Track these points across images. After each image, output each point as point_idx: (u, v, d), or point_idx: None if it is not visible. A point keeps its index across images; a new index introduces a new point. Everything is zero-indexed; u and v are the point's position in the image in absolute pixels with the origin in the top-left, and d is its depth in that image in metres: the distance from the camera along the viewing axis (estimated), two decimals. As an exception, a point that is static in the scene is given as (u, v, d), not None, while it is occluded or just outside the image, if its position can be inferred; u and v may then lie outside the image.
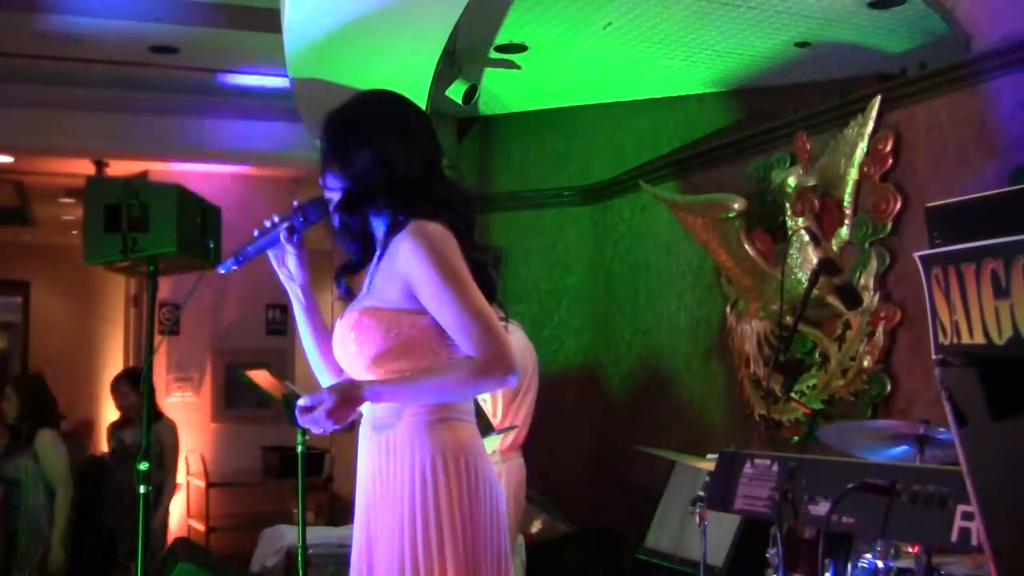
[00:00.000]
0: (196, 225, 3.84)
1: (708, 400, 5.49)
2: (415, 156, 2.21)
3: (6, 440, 5.18)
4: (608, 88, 6.28)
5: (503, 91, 6.38)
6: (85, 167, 7.55)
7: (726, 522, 4.18)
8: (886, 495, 2.29)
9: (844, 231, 4.42)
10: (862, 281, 4.32)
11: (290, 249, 2.29)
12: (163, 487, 5.62)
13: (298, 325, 2.39)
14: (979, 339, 1.44)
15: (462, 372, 2.09)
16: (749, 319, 5.05)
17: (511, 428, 4.10)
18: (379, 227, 2.24)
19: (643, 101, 6.36)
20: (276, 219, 2.28)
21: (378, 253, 2.24)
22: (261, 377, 4.29)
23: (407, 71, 5.06)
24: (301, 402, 2.09)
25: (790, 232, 4.61)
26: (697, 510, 3.72)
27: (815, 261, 4.27)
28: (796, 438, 4.70)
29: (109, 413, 5.93)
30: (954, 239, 1.50)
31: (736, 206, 4.92)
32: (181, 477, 7.25)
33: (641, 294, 6.09)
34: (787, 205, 4.66)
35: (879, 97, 4.28)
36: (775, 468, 2.61)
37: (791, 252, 4.52)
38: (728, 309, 5.26)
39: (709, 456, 3.57)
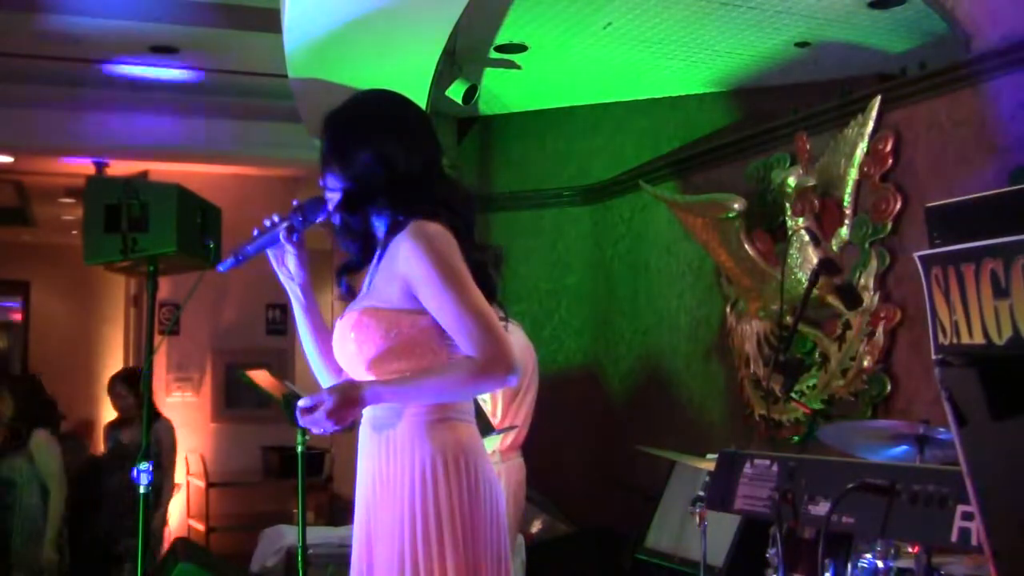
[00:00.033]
0: (196, 225, 3.84)
1: (708, 400, 5.49)
2: (415, 156, 2.21)
3: (1, 440, 5.18)
4: (608, 88, 6.28)
5: (503, 91, 6.38)
6: (85, 167, 7.55)
7: (726, 522, 4.18)
8: (886, 495, 2.29)
9: (844, 231, 4.42)
10: (862, 281, 4.32)
11: (290, 249, 2.29)
12: (162, 487, 5.62)
13: (298, 325, 2.39)
14: (979, 339, 1.44)
15: (462, 372, 2.09)
16: (749, 319, 5.05)
17: (511, 428, 4.10)
18: (380, 227, 2.24)
19: (643, 101, 6.36)
20: (276, 218, 2.28)
21: (378, 253, 2.24)
22: (261, 377, 4.29)
23: (407, 71, 5.06)
24: (302, 403, 2.09)
25: (790, 232, 4.61)
26: (697, 510, 3.72)
27: (815, 261, 4.26)
28: (796, 438, 4.70)
29: (109, 413, 5.93)
30: (954, 239, 1.50)
31: (736, 206, 4.92)
32: (181, 477, 7.26)
33: (641, 294, 6.09)
34: (787, 205, 4.66)
35: (879, 97, 4.28)
36: (775, 468, 2.61)
37: (791, 252, 4.52)
38: (728, 309, 5.26)
39: (709, 456, 3.57)
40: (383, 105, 2.29)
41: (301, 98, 5.75)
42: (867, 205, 4.35)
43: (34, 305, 11.16)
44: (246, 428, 7.88)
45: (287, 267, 2.32)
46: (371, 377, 2.14)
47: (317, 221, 2.27)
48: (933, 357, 1.54)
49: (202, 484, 7.61)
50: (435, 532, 2.07)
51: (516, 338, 3.41)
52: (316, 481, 7.49)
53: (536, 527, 5.67)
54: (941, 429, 3.04)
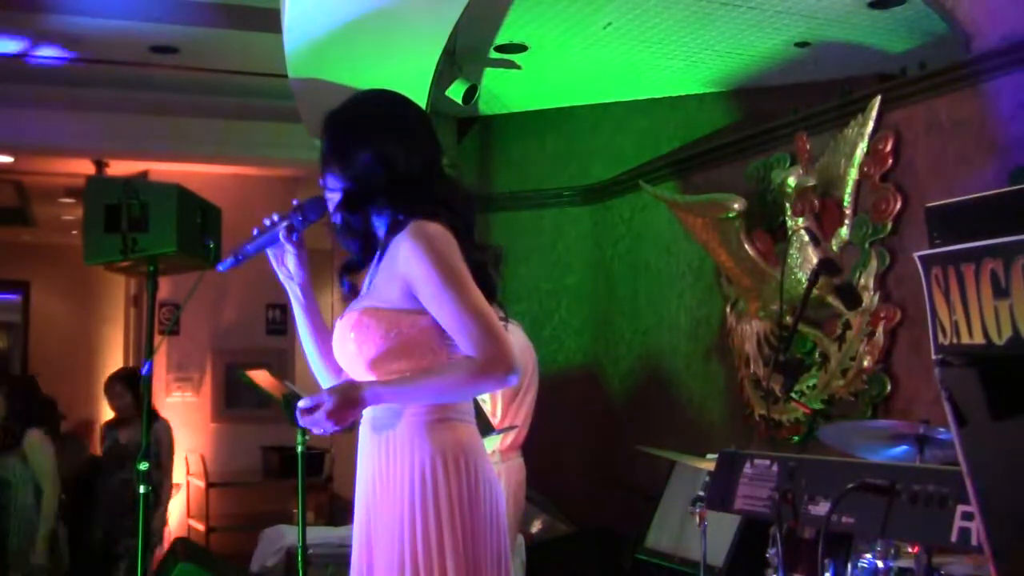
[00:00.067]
0: (196, 225, 3.84)
1: (708, 400, 5.49)
2: (415, 156, 2.21)
3: None
4: (608, 88, 6.28)
5: (503, 91, 6.38)
6: (85, 167, 7.55)
7: (726, 522, 4.18)
8: (886, 495, 2.29)
9: (844, 231, 4.42)
10: (862, 281, 4.32)
11: (289, 248, 2.29)
12: (160, 487, 5.62)
13: (298, 325, 2.39)
14: (979, 339, 1.44)
15: (462, 372, 2.09)
16: (749, 319, 5.05)
17: (511, 428, 4.09)
18: (380, 227, 2.24)
19: (643, 101, 6.36)
20: (276, 218, 2.28)
21: (378, 253, 2.24)
22: (261, 377, 4.29)
23: (407, 71, 5.06)
24: (302, 403, 2.09)
25: (790, 232, 4.61)
26: (697, 510, 3.72)
27: (815, 261, 4.26)
28: (796, 438, 4.70)
29: (109, 413, 5.92)
30: (954, 239, 1.50)
31: (736, 206, 4.92)
32: (181, 477, 7.26)
33: (641, 294, 6.09)
34: (787, 205, 4.66)
35: (879, 97, 4.28)
36: (775, 468, 2.60)
37: (791, 252, 4.52)
38: (728, 309, 5.26)
39: (709, 456, 3.57)
40: (383, 105, 2.29)
41: (301, 98, 5.75)
42: (867, 205, 4.35)
43: (34, 305, 11.16)
44: (246, 428, 7.88)
45: (287, 267, 2.32)
46: (371, 377, 2.14)
47: (317, 220, 2.28)
48: (933, 357, 1.54)
49: (202, 484, 7.61)
50: (435, 532, 2.07)
51: (516, 338, 3.41)
52: (316, 481, 7.49)
53: (536, 527, 5.67)
54: (941, 429, 3.04)
